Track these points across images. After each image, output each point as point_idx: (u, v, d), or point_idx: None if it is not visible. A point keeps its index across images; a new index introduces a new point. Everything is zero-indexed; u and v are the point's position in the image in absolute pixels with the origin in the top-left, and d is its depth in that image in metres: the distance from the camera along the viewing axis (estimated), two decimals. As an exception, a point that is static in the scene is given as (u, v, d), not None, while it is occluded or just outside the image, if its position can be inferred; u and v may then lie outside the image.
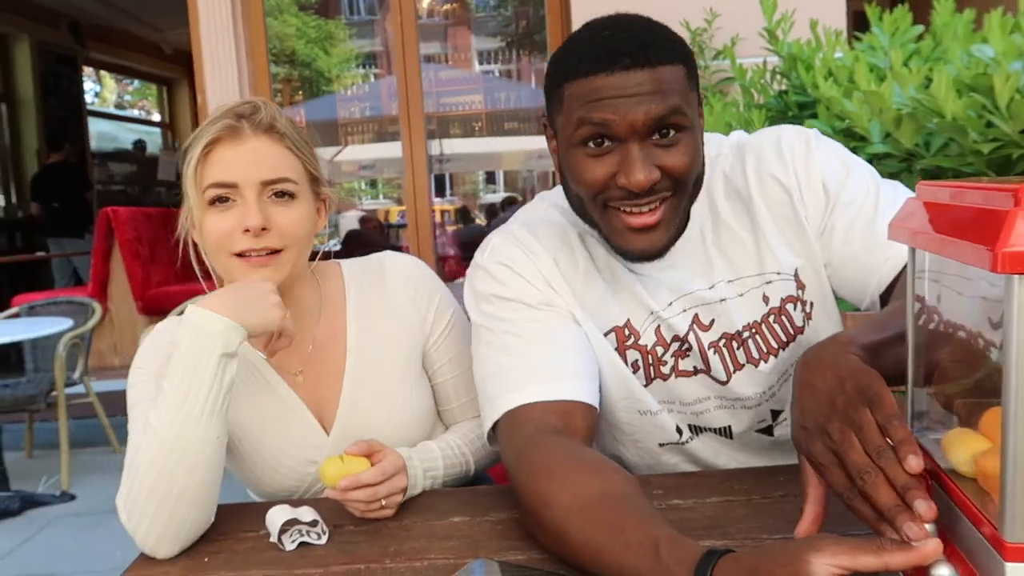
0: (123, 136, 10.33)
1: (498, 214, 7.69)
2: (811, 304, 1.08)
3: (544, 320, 1.02)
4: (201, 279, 1.15)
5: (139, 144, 9.83)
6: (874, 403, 0.71)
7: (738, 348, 1.07)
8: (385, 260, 1.26)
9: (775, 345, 1.07)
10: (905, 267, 0.97)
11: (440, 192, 9.90)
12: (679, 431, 1.10)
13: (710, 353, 1.06)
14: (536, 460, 0.87)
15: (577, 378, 0.98)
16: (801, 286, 1.07)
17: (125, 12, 8.47)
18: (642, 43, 0.91)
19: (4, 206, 8.19)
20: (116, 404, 2.37)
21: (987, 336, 0.64)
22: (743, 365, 1.07)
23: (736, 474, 1.05)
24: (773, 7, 2.71)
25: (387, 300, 1.21)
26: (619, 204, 0.96)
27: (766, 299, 1.06)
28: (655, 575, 0.70)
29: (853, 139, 1.93)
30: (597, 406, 1.00)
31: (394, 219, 8.54)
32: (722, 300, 1.05)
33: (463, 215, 9.09)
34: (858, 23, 2.78)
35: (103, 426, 3.79)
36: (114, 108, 11.62)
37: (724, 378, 1.07)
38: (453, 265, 6.34)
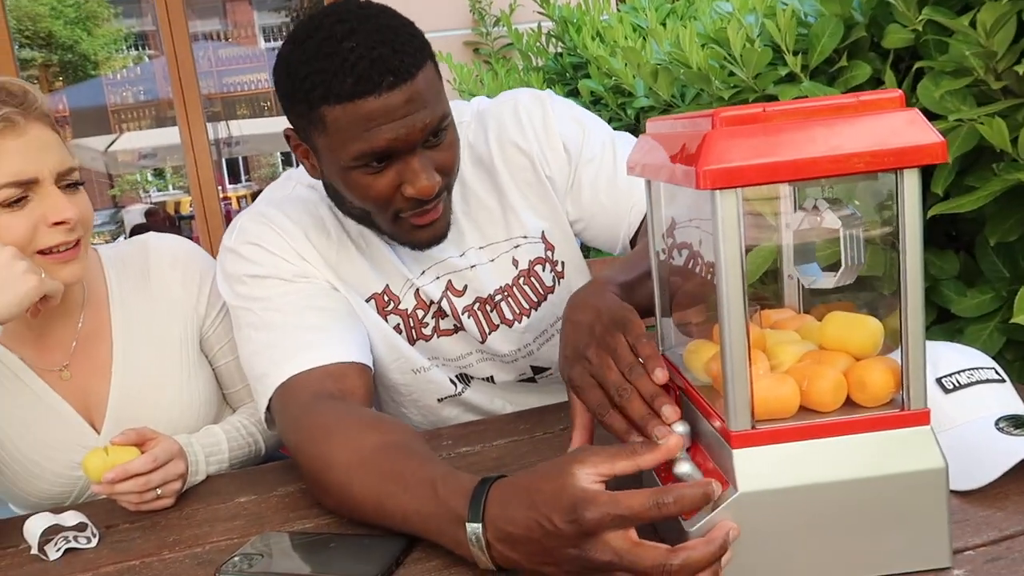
0: None
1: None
2: (562, 263, 1.14)
3: (302, 291, 1.00)
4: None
5: None
6: (626, 328, 0.77)
7: (491, 311, 1.11)
8: (149, 242, 1.20)
9: (527, 306, 1.12)
10: None
11: (234, 178, 9.41)
12: (453, 383, 1.14)
13: (464, 317, 1.09)
14: (313, 424, 0.86)
15: (345, 342, 0.97)
16: (550, 247, 1.13)
17: None
18: (395, 51, 0.87)
19: None
20: None
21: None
22: (497, 326, 1.12)
23: (522, 415, 1.10)
24: (543, -28, 2.79)
25: (153, 284, 1.15)
26: (409, 213, 0.96)
27: (515, 262, 1.11)
28: (434, 512, 0.71)
29: (621, 95, 2.04)
30: (371, 366, 1.00)
31: (186, 210, 8.03)
32: (472, 267, 1.09)
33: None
34: (623, -13, 2.92)
35: None
36: None
37: (480, 338, 1.11)
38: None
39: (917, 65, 1.17)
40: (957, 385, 0.78)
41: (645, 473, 0.71)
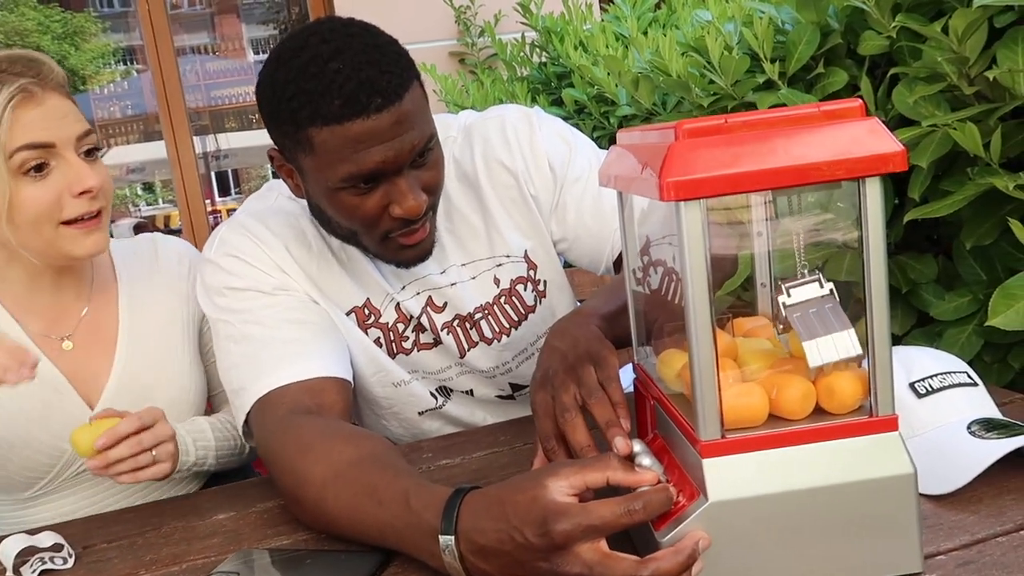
0: None
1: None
2: (544, 283, 1.14)
3: (282, 304, 1.00)
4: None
5: None
6: (599, 364, 0.78)
7: (471, 328, 1.11)
8: (156, 238, 1.23)
9: (507, 325, 1.12)
10: None
11: (224, 191, 9.39)
12: (434, 396, 1.13)
13: (443, 333, 1.09)
14: (289, 439, 0.86)
15: (324, 356, 0.97)
16: (532, 266, 1.13)
17: None
18: (382, 72, 0.86)
19: None
20: None
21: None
22: (476, 343, 1.12)
23: (502, 427, 1.10)
24: (526, -18, 2.81)
25: (160, 275, 1.17)
26: (397, 233, 0.96)
27: (497, 281, 1.11)
28: (408, 524, 0.71)
29: (604, 103, 2.05)
30: (350, 380, 1.00)
31: (176, 224, 8.01)
32: (452, 284, 1.09)
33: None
34: (606, -5, 2.94)
35: None
36: None
37: (459, 354, 1.11)
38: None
39: (892, 71, 1.17)
40: (930, 390, 0.78)
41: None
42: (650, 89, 1.74)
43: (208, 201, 4.62)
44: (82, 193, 0.98)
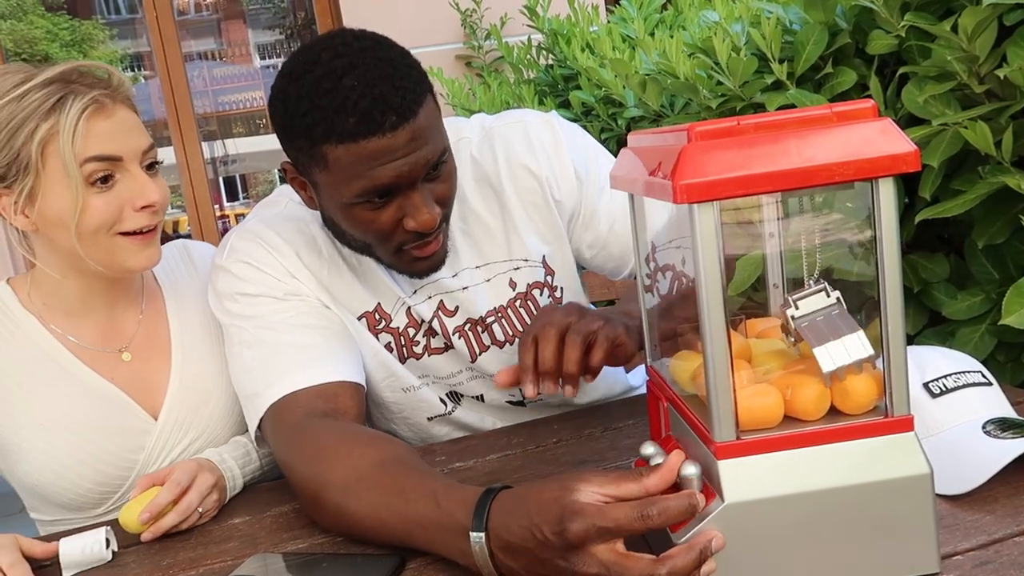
0: None
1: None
2: (560, 289, 1.15)
3: (293, 310, 1.01)
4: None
5: None
6: (609, 335, 0.81)
7: (483, 332, 1.11)
8: (187, 244, 1.24)
9: (520, 328, 1.12)
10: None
11: (232, 196, 9.42)
12: (443, 402, 1.14)
13: (455, 337, 1.09)
14: (307, 443, 0.86)
15: (337, 360, 0.98)
16: (550, 272, 1.13)
17: None
18: (396, 88, 0.86)
19: None
20: None
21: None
22: (488, 347, 1.12)
23: (515, 430, 1.10)
24: (532, -16, 2.81)
25: (198, 280, 1.17)
26: (411, 246, 0.96)
27: (513, 284, 1.11)
28: (437, 523, 0.71)
29: (612, 105, 2.05)
30: (363, 384, 1.00)
31: (184, 229, 8.04)
32: (464, 288, 1.09)
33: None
34: (613, -3, 2.94)
35: None
36: None
37: (471, 358, 1.11)
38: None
39: (901, 70, 1.17)
40: (944, 389, 0.78)
41: None
42: (658, 91, 1.74)
43: (216, 206, 4.64)
44: (144, 207, 0.99)
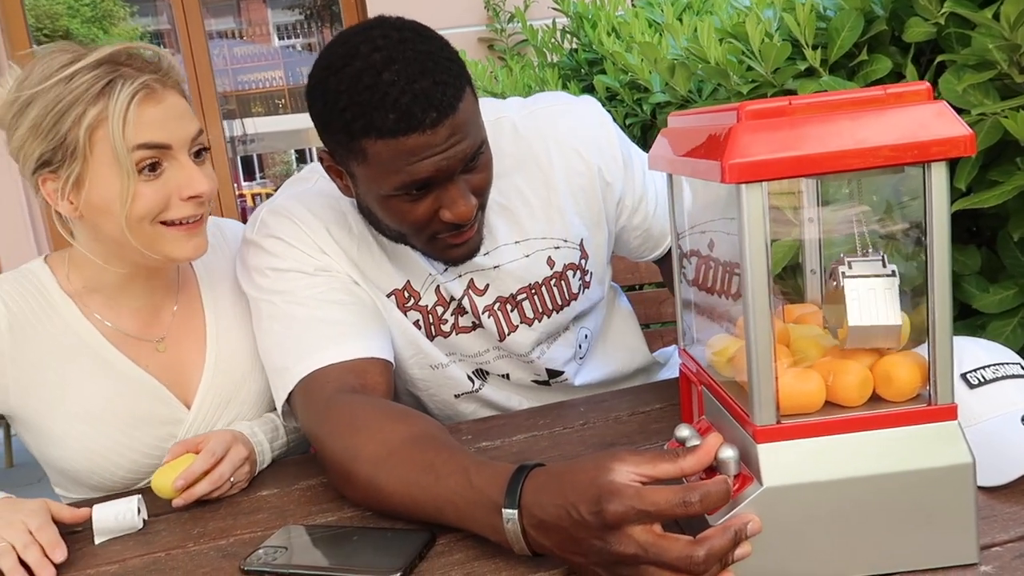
0: None
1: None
2: (591, 274, 1.15)
3: (324, 285, 1.00)
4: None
5: None
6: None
7: (512, 310, 1.11)
8: (219, 223, 1.21)
9: (550, 307, 1.13)
10: None
11: (249, 175, 9.44)
12: (471, 379, 1.14)
13: (484, 316, 1.09)
14: (339, 417, 0.87)
15: (366, 336, 0.98)
16: (585, 255, 1.14)
17: None
18: (436, 83, 0.85)
19: None
20: None
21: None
22: (517, 326, 1.12)
23: (540, 411, 1.10)
24: (558, -32, 2.78)
25: (230, 260, 1.15)
26: (446, 235, 0.96)
27: (551, 263, 1.11)
28: (469, 500, 0.71)
29: (638, 90, 2.03)
30: (392, 361, 1.00)
31: (202, 207, 8.07)
32: (496, 267, 1.08)
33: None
34: (638, -18, 2.91)
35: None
36: None
37: (499, 337, 1.11)
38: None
39: (939, 59, 1.15)
40: (982, 380, 0.77)
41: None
42: (686, 76, 1.72)
43: (235, 185, 4.65)
44: (191, 197, 0.97)
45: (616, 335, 1.28)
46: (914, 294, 0.64)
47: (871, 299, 0.63)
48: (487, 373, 1.15)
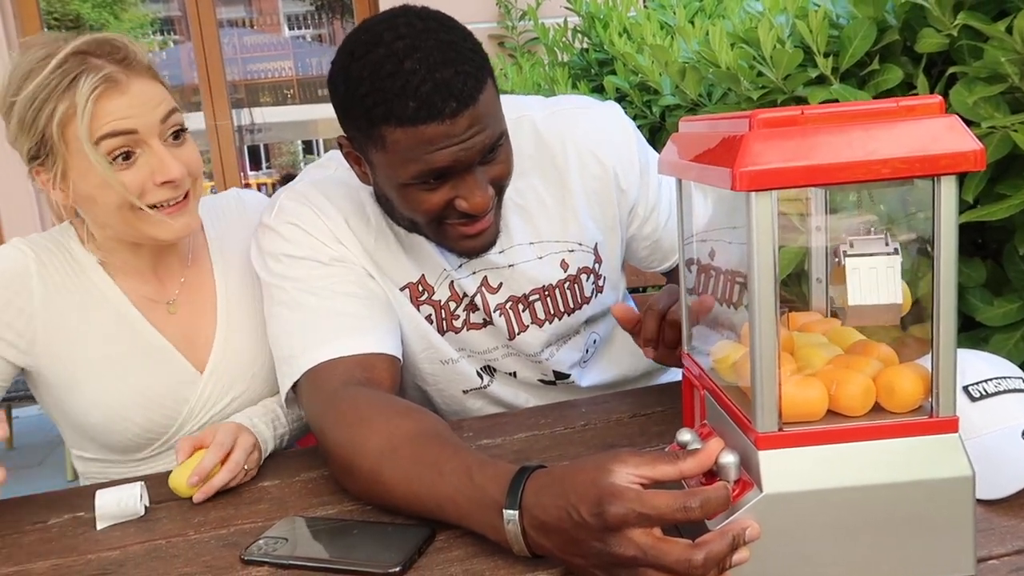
0: None
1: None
2: (604, 279, 1.15)
3: (338, 276, 1.01)
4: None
5: None
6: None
7: (524, 310, 1.11)
8: (241, 194, 1.24)
9: (562, 310, 1.13)
10: None
11: (255, 165, 9.45)
12: (480, 376, 1.14)
13: (495, 315, 1.10)
14: (344, 410, 0.87)
15: (377, 331, 0.98)
16: (599, 260, 1.14)
17: None
18: (457, 73, 0.86)
19: None
20: None
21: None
22: (527, 327, 1.12)
23: (542, 410, 1.10)
24: (571, -33, 2.78)
25: (248, 229, 1.15)
26: (459, 224, 0.96)
27: (565, 265, 1.11)
28: (471, 498, 0.72)
29: (647, 92, 2.04)
30: (400, 357, 1.01)
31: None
32: (511, 266, 1.09)
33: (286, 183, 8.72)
34: (651, -17, 2.91)
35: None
36: None
37: (508, 336, 1.12)
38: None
39: (951, 70, 1.16)
40: (984, 394, 0.77)
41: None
42: (697, 80, 1.72)
43: (241, 174, 4.66)
44: (164, 183, 0.99)
45: (623, 339, 1.28)
46: (917, 304, 0.64)
47: (872, 278, 0.63)
48: (495, 370, 1.15)
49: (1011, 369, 0.82)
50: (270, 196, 1.15)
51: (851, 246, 0.63)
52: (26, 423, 3.65)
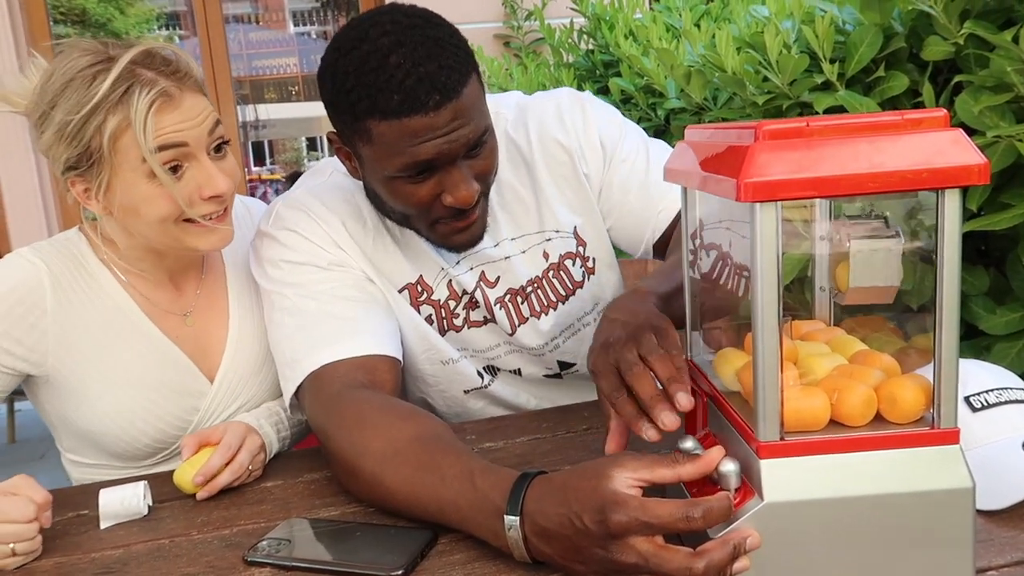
0: None
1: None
2: (593, 259, 1.16)
3: (337, 280, 1.02)
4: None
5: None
6: (660, 334, 0.77)
7: (522, 302, 1.13)
8: (245, 200, 1.24)
9: (554, 299, 1.14)
10: (677, 218, 1.08)
11: (259, 161, 9.46)
12: (480, 375, 1.15)
13: (496, 308, 1.11)
14: (347, 412, 0.88)
15: (377, 333, 0.99)
16: (582, 243, 1.15)
17: None
18: (441, 67, 0.87)
19: None
20: None
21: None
22: (527, 319, 1.13)
23: (543, 414, 1.10)
24: (578, -32, 2.78)
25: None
26: (447, 219, 0.98)
27: (546, 255, 1.13)
28: (472, 504, 0.72)
29: (652, 95, 2.04)
30: (400, 359, 1.01)
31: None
32: (506, 257, 1.11)
33: (294, 181, 8.74)
34: (657, -15, 2.91)
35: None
36: None
37: (510, 330, 1.12)
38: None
39: (956, 79, 1.16)
40: (985, 404, 0.78)
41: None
42: (702, 83, 1.72)
43: (245, 170, 4.67)
44: (212, 197, 0.99)
45: None
46: (919, 314, 0.64)
47: (875, 260, 0.64)
48: (498, 369, 1.16)
49: (1013, 380, 0.82)
50: (278, 194, 1.16)
51: (855, 229, 0.64)
52: (27, 417, 3.66)
